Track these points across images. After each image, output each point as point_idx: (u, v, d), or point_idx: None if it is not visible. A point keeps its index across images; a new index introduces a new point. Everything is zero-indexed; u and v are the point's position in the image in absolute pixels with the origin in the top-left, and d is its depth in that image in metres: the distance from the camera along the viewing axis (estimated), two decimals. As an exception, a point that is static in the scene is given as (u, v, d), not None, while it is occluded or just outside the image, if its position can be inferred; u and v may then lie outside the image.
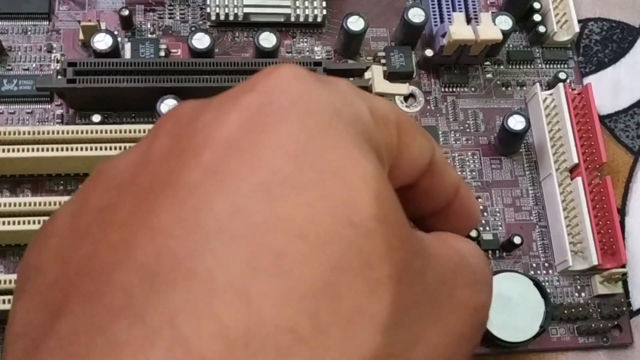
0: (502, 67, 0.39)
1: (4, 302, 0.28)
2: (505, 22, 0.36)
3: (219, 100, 0.14)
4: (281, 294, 0.11)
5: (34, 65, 0.36)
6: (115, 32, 0.35)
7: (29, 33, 0.36)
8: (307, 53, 0.38)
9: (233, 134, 0.12)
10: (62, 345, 0.11)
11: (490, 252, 0.34)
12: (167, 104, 0.33)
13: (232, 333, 0.11)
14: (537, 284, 0.32)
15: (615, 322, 0.34)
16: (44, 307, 0.12)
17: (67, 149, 0.31)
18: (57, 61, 0.36)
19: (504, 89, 0.39)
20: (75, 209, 0.14)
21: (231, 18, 0.37)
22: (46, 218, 0.29)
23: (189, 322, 0.11)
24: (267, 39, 0.35)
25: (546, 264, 0.35)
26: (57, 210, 0.15)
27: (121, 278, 0.11)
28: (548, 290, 0.33)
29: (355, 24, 0.36)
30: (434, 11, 0.37)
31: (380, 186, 0.13)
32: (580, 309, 0.33)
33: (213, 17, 0.37)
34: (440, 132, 0.37)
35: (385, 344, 0.12)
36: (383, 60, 0.37)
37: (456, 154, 0.37)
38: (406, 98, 0.37)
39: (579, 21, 0.39)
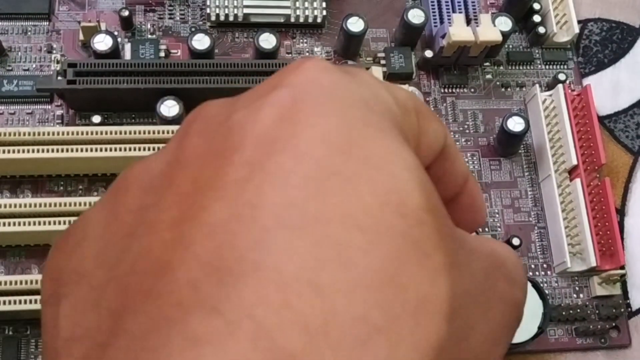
0: (501, 68, 0.39)
1: (4, 303, 0.28)
2: (505, 23, 0.36)
3: (248, 99, 0.14)
4: (350, 284, 0.11)
5: (34, 66, 0.36)
6: (115, 33, 0.35)
7: (29, 33, 0.36)
8: (307, 54, 0.38)
9: (271, 130, 0.12)
10: (135, 342, 0.11)
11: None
12: (166, 105, 0.33)
13: (312, 324, 0.11)
14: (536, 285, 0.32)
15: (614, 324, 0.34)
16: (98, 310, 0.12)
17: (67, 150, 0.31)
18: (57, 62, 0.36)
19: (503, 89, 0.39)
20: (109, 211, 0.14)
21: (231, 19, 0.37)
22: (46, 219, 0.29)
23: (267, 313, 0.10)
24: (267, 40, 0.35)
25: (545, 265, 0.35)
26: (87, 213, 0.15)
27: (185, 274, 0.11)
28: (546, 292, 0.33)
29: (355, 24, 0.36)
30: (433, 12, 0.37)
31: (423, 176, 0.13)
32: (579, 310, 0.34)
33: (213, 18, 0.37)
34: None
35: (448, 332, 0.12)
36: (383, 61, 0.37)
37: (455, 155, 0.37)
38: (406, 99, 0.37)
39: (579, 22, 0.40)
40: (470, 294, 0.14)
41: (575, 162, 0.34)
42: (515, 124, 0.35)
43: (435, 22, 0.37)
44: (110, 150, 0.31)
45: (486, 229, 0.35)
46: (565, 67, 0.40)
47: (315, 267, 0.11)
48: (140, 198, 0.13)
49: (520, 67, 0.39)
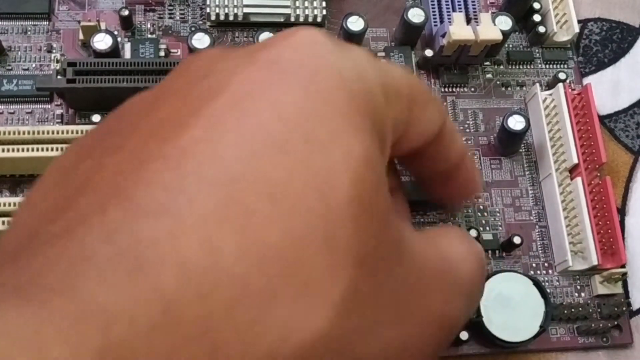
0: (501, 67, 0.39)
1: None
2: (505, 22, 0.36)
3: (241, 52, 0.14)
4: (240, 249, 0.11)
5: (33, 65, 0.36)
6: (115, 32, 0.35)
7: (29, 33, 0.36)
8: (307, 53, 0.38)
9: (239, 87, 0.13)
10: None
11: (490, 252, 0.34)
12: (166, 104, 0.33)
13: (190, 271, 0.11)
14: (537, 284, 0.32)
15: (615, 322, 0.34)
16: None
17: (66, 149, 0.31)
18: (57, 61, 0.36)
19: (503, 89, 0.39)
20: (87, 135, 0.16)
21: (231, 18, 0.37)
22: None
23: (153, 251, 0.11)
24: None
25: (546, 264, 0.35)
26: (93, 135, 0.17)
27: (103, 199, 0.12)
28: (548, 290, 0.33)
29: (355, 24, 0.36)
30: (433, 11, 0.37)
31: (363, 169, 0.13)
32: (580, 309, 0.33)
33: (213, 17, 0.37)
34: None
35: (335, 325, 0.12)
36: (383, 61, 0.37)
37: (456, 154, 0.37)
38: (406, 98, 0.37)
39: (579, 21, 0.40)
40: (381, 296, 0.13)
41: (575, 160, 0.34)
42: (515, 123, 0.35)
43: (435, 21, 0.37)
44: (110, 149, 0.31)
45: (487, 228, 0.35)
46: (566, 66, 0.40)
47: (214, 226, 0.11)
48: (115, 124, 0.15)
49: (521, 67, 0.39)
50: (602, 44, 0.41)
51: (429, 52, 0.37)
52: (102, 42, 0.34)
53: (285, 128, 0.12)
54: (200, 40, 0.34)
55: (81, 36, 0.36)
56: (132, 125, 0.14)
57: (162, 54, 0.36)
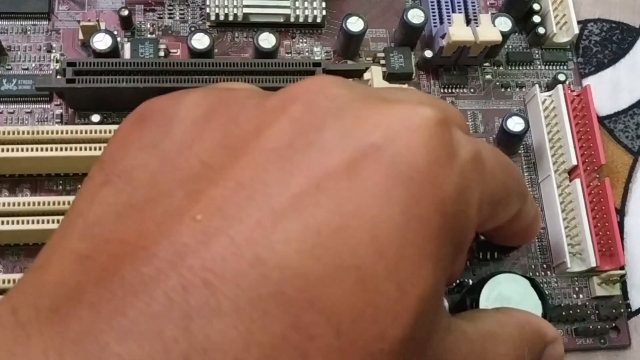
0: (501, 68, 0.39)
1: (2, 301, 0.28)
2: (505, 23, 0.36)
3: (348, 120, 0.14)
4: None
5: (33, 65, 0.36)
6: (115, 32, 0.35)
7: (29, 33, 0.36)
8: (307, 53, 0.38)
9: (330, 174, 0.13)
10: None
11: (488, 253, 0.34)
12: (166, 104, 0.33)
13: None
14: (535, 285, 0.32)
15: (613, 324, 0.34)
16: (121, 223, 0.13)
17: (66, 149, 0.31)
18: (57, 61, 0.36)
19: (503, 90, 0.39)
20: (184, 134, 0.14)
21: (231, 18, 0.37)
22: (45, 217, 0.29)
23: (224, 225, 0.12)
24: (267, 40, 0.35)
25: (544, 266, 0.35)
26: (177, 107, 0.15)
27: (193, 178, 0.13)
28: (546, 292, 0.33)
29: (354, 24, 0.36)
30: (433, 12, 0.37)
31: (427, 309, 0.13)
32: (578, 310, 0.34)
33: (212, 17, 0.37)
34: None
35: None
36: (382, 61, 0.37)
37: (455, 155, 0.37)
38: (405, 99, 0.37)
39: (579, 22, 0.39)
40: None
41: (575, 162, 0.34)
42: (515, 124, 0.35)
43: (435, 22, 0.37)
44: (110, 149, 0.31)
45: (486, 229, 0.35)
46: (565, 67, 0.40)
47: (275, 349, 0.11)
48: (221, 132, 0.14)
49: (520, 68, 0.39)
50: (602, 44, 0.41)
51: (428, 53, 0.37)
52: (101, 42, 0.34)
53: (374, 254, 0.12)
54: (200, 41, 0.34)
55: (81, 36, 0.36)
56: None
57: (161, 54, 0.36)
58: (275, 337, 0.11)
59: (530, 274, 0.35)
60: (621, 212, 0.37)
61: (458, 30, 0.35)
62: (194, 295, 0.11)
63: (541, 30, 0.39)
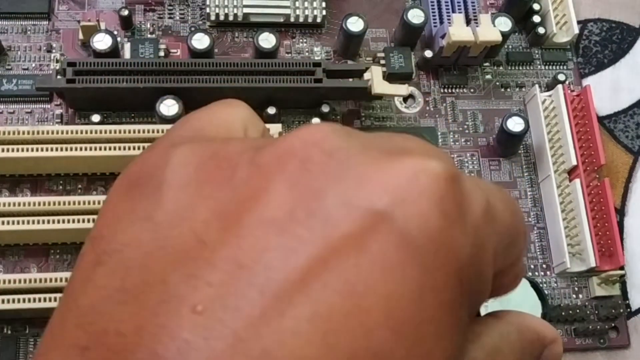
0: (501, 68, 0.39)
1: (3, 302, 0.28)
2: (505, 23, 0.36)
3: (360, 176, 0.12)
4: None
5: (33, 65, 0.36)
6: (115, 32, 0.35)
7: (29, 33, 0.36)
8: (307, 53, 0.38)
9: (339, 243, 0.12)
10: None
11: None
12: (166, 104, 0.33)
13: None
14: (535, 286, 0.32)
15: (613, 324, 0.34)
16: (118, 305, 0.12)
17: (66, 149, 0.31)
18: (57, 61, 0.36)
19: (503, 90, 0.39)
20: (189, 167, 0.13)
21: (231, 18, 0.37)
22: (45, 218, 0.29)
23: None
24: (267, 40, 0.35)
25: (544, 266, 0.35)
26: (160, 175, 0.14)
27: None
28: (546, 292, 0.33)
29: (354, 24, 0.36)
30: (433, 12, 0.37)
31: None
32: (578, 310, 0.34)
33: (213, 17, 0.37)
34: (439, 133, 0.37)
35: None
36: (382, 61, 0.37)
37: (455, 155, 0.37)
38: (405, 99, 0.38)
39: (579, 22, 0.39)
40: None
41: (574, 162, 0.34)
42: (515, 124, 0.35)
43: (435, 22, 0.37)
44: (110, 149, 0.31)
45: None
46: (565, 67, 0.40)
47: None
48: (214, 201, 0.13)
49: (520, 68, 0.39)
50: (602, 44, 0.41)
51: (428, 53, 0.37)
52: (101, 42, 0.34)
53: (390, 336, 0.11)
54: (200, 41, 0.34)
55: (81, 36, 0.36)
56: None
57: (161, 54, 0.36)
58: None
59: (530, 274, 0.35)
60: (621, 212, 0.37)
61: (458, 30, 0.35)
62: None
63: (541, 30, 0.39)
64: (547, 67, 0.39)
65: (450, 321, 0.12)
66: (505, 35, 0.36)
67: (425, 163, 0.12)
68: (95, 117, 0.34)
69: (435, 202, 0.12)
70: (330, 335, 0.11)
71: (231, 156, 0.13)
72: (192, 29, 0.37)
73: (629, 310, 0.35)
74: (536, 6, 0.39)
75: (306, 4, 0.37)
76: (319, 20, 0.37)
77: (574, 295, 0.35)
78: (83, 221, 0.30)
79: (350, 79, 0.35)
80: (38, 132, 0.31)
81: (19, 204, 0.30)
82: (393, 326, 0.11)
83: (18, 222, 0.30)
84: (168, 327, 0.11)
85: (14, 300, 0.29)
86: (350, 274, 0.11)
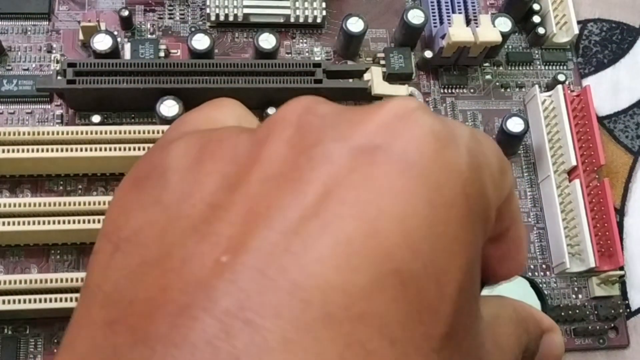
0: (501, 68, 0.39)
1: (3, 302, 0.29)
2: (505, 23, 0.36)
3: (344, 131, 0.13)
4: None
5: (33, 66, 0.36)
6: (115, 33, 0.35)
7: (29, 33, 0.36)
8: (307, 54, 0.38)
9: (344, 166, 0.12)
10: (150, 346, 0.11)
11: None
12: (166, 105, 0.33)
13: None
14: (535, 286, 0.32)
15: (612, 324, 0.34)
16: (136, 288, 0.13)
17: (66, 150, 0.31)
18: (57, 61, 0.36)
19: (502, 90, 0.39)
20: (191, 176, 0.14)
21: (231, 19, 0.37)
22: (45, 218, 0.29)
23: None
24: (267, 40, 0.35)
25: (544, 266, 0.35)
26: (166, 159, 0.14)
27: (219, 305, 0.12)
28: (545, 292, 0.33)
29: (354, 25, 0.36)
30: (433, 13, 0.37)
31: (465, 306, 0.12)
32: (577, 310, 0.34)
33: (213, 18, 0.37)
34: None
35: None
36: (382, 62, 0.37)
37: (455, 155, 0.37)
38: (405, 99, 0.37)
39: (579, 22, 0.40)
40: None
41: (574, 162, 0.34)
42: (514, 125, 0.35)
43: (435, 23, 0.37)
44: (110, 150, 0.31)
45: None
46: (565, 67, 0.40)
47: None
48: (219, 173, 0.13)
49: (520, 68, 0.39)
50: (602, 44, 0.41)
51: (428, 54, 0.37)
52: (102, 42, 0.34)
53: (408, 253, 0.12)
54: (200, 41, 0.34)
55: (81, 36, 0.36)
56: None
57: (162, 54, 0.36)
58: None
59: (530, 274, 0.35)
60: (621, 212, 0.37)
61: (458, 31, 0.35)
62: (237, 337, 0.11)
63: (541, 30, 0.39)
64: (547, 68, 0.39)
65: (462, 237, 0.12)
66: (505, 36, 0.36)
67: (406, 103, 0.13)
68: (96, 118, 0.34)
69: (427, 129, 0.13)
70: (353, 259, 0.11)
71: (227, 138, 0.14)
72: (192, 29, 0.38)
73: (628, 310, 0.35)
74: (536, 6, 0.39)
75: (306, 4, 0.37)
76: (319, 20, 0.37)
77: (574, 296, 0.35)
78: (83, 222, 0.30)
79: (351, 80, 0.35)
80: (38, 133, 0.31)
81: (19, 205, 0.30)
82: (410, 245, 0.12)
83: (18, 223, 0.30)
84: (194, 280, 0.11)
85: (14, 301, 0.29)
86: (360, 201, 0.12)
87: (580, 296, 0.35)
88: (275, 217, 0.12)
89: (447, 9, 0.37)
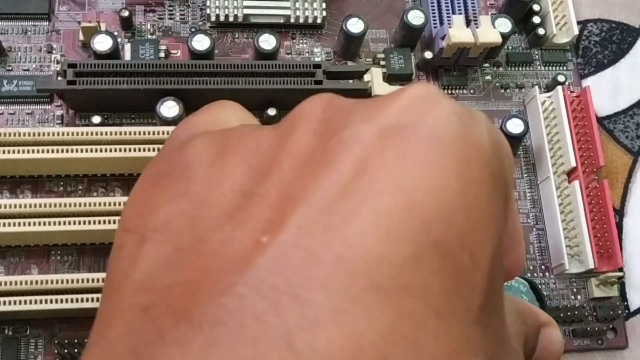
0: (501, 69, 0.39)
1: (4, 303, 0.29)
2: (505, 24, 0.36)
3: (367, 118, 0.13)
4: None
5: (34, 66, 0.36)
6: (115, 33, 0.35)
7: (29, 33, 0.36)
8: (307, 54, 0.38)
9: (369, 148, 0.12)
10: (199, 336, 0.11)
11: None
12: (166, 106, 0.33)
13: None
14: (533, 287, 0.32)
15: (611, 325, 0.34)
16: (173, 276, 0.12)
17: (67, 150, 0.31)
18: (57, 62, 0.36)
19: (502, 91, 0.39)
20: (216, 168, 0.14)
21: (231, 19, 0.37)
22: (45, 219, 0.29)
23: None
24: (267, 41, 0.35)
25: (543, 267, 0.35)
26: (191, 152, 0.14)
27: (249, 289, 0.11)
28: (544, 293, 0.34)
29: (354, 25, 0.36)
30: (433, 13, 0.37)
31: (497, 278, 0.13)
32: (576, 311, 0.34)
33: (213, 18, 0.37)
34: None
35: None
36: (382, 62, 0.37)
37: (454, 156, 0.37)
38: (405, 100, 0.38)
39: (579, 22, 0.40)
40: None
41: (574, 164, 0.34)
42: (514, 126, 0.35)
43: (435, 24, 0.37)
44: (110, 150, 0.31)
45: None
46: (565, 68, 0.40)
47: (388, 339, 0.11)
48: (246, 164, 0.13)
49: (520, 69, 0.39)
50: (602, 45, 0.41)
51: (428, 54, 0.37)
52: (102, 43, 0.34)
53: (445, 226, 0.12)
54: (201, 42, 0.34)
55: (81, 37, 0.36)
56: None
57: (162, 55, 0.36)
58: (383, 331, 0.11)
59: (529, 275, 0.35)
60: (620, 212, 0.37)
61: (458, 32, 0.35)
62: (287, 311, 0.11)
63: (541, 31, 0.39)
64: (546, 68, 0.39)
65: (491, 211, 0.13)
66: (505, 36, 0.36)
67: (427, 86, 0.14)
68: (96, 119, 0.34)
69: (450, 109, 0.13)
70: (394, 231, 0.11)
71: (249, 134, 0.14)
72: (193, 30, 0.38)
73: (627, 311, 0.35)
74: (536, 7, 0.39)
75: (306, 4, 0.37)
76: (319, 21, 0.37)
77: (573, 297, 0.35)
78: (84, 222, 0.30)
79: (351, 81, 0.35)
80: (39, 134, 0.31)
81: (20, 206, 0.30)
82: (446, 217, 0.12)
83: (19, 224, 0.30)
84: (236, 259, 0.11)
85: (15, 302, 0.29)
86: (396, 175, 0.12)
87: (579, 297, 0.35)
88: (312, 197, 0.12)
89: (447, 10, 0.37)
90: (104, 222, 0.30)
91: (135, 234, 0.13)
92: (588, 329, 0.33)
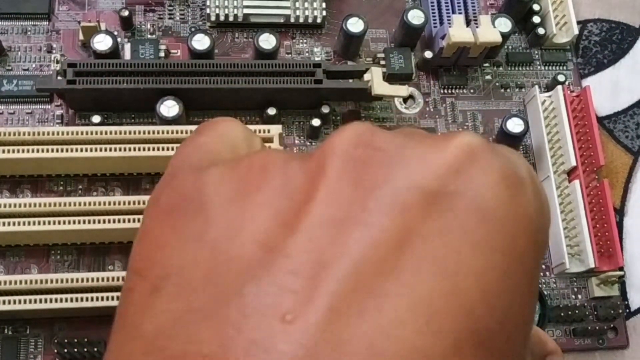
0: (501, 68, 0.39)
1: (4, 302, 0.29)
2: (505, 24, 0.36)
3: (406, 163, 0.12)
4: None
5: (33, 66, 0.36)
6: (115, 33, 0.35)
7: (29, 33, 0.36)
8: (307, 54, 0.38)
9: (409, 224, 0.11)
10: None
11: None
12: (166, 105, 0.33)
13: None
14: (534, 287, 0.32)
15: (611, 325, 0.34)
16: (187, 330, 0.11)
17: (66, 150, 0.31)
18: (57, 61, 0.36)
19: (502, 90, 0.39)
20: (236, 199, 0.12)
21: (231, 19, 0.37)
22: (45, 219, 0.29)
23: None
24: (267, 40, 0.35)
25: (543, 266, 0.35)
26: (205, 182, 0.13)
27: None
28: (545, 293, 0.34)
29: (354, 25, 0.36)
30: (433, 13, 0.37)
31: (524, 350, 0.13)
32: (577, 311, 0.34)
33: (213, 18, 0.37)
34: (439, 134, 0.37)
35: None
36: (382, 62, 0.37)
37: (455, 156, 0.37)
38: (405, 100, 0.38)
39: (579, 22, 0.40)
40: None
41: (574, 163, 0.34)
42: (514, 125, 0.35)
43: (435, 23, 0.37)
44: (110, 150, 0.31)
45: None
46: (565, 68, 0.40)
47: None
48: (270, 208, 0.12)
49: (520, 68, 0.39)
50: (602, 44, 0.41)
51: (428, 54, 0.37)
52: (102, 42, 0.34)
53: (487, 311, 0.11)
54: (200, 42, 0.34)
55: (81, 37, 0.36)
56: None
57: (162, 54, 0.36)
58: None
59: (529, 274, 0.35)
60: (620, 212, 0.37)
61: (458, 31, 0.35)
62: None
63: (541, 30, 0.39)
64: (546, 68, 0.39)
65: (531, 288, 0.12)
66: (505, 36, 0.36)
67: (472, 140, 0.12)
68: (96, 118, 0.34)
69: (499, 175, 0.12)
70: (434, 321, 0.11)
71: (273, 166, 0.13)
72: (192, 29, 0.38)
73: (627, 310, 0.35)
74: (536, 7, 0.39)
75: (306, 4, 0.37)
76: (319, 20, 0.37)
77: (573, 296, 0.35)
78: (83, 222, 0.30)
79: (351, 80, 0.35)
80: (38, 133, 0.31)
81: (20, 205, 0.30)
82: (487, 302, 0.11)
83: (18, 223, 0.30)
84: (259, 341, 0.10)
85: (14, 301, 0.29)
86: (439, 253, 0.11)
87: (579, 296, 0.35)
88: (346, 269, 0.11)
89: (447, 10, 0.37)
90: (104, 222, 0.29)
91: (146, 281, 0.12)
92: (589, 328, 0.33)
